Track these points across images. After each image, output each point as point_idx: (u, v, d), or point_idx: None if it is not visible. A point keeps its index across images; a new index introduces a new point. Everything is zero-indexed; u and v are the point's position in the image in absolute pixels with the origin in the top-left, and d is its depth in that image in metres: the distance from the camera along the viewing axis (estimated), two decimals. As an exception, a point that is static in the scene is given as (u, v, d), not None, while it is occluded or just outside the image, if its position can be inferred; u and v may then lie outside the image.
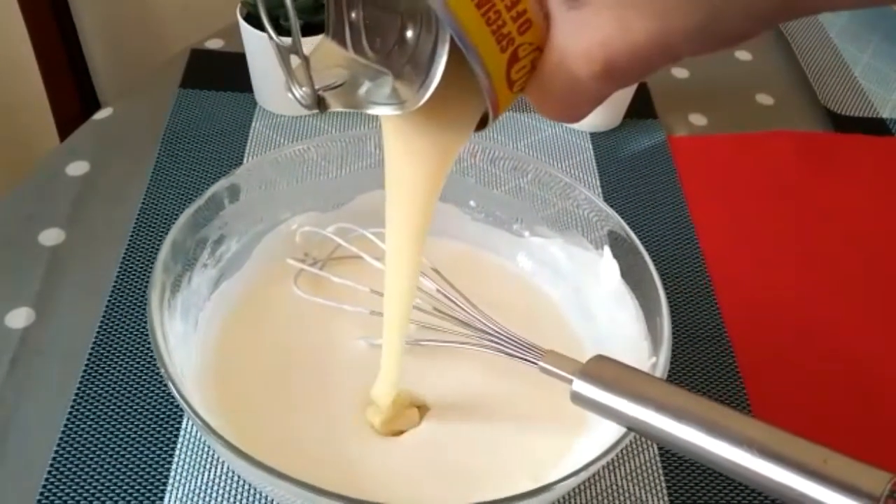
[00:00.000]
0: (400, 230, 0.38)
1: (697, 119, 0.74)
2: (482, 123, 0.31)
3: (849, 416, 0.52)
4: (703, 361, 0.54)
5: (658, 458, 0.48)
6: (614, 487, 0.47)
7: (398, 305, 0.41)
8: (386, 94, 0.29)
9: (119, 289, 0.54)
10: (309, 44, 0.30)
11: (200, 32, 0.77)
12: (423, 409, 0.45)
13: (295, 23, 0.29)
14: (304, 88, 0.30)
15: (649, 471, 0.48)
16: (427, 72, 0.27)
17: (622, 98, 0.70)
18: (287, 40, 0.29)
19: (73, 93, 1.11)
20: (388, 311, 0.41)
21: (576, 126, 0.70)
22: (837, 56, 0.83)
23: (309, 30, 0.44)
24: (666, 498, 0.47)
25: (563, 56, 0.27)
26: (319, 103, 0.30)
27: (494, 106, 0.28)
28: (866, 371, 0.55)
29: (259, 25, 0.63)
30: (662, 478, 0.47)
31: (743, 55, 0.83)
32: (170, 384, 0.37)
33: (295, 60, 0.30)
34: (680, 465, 0.48)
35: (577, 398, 0.37)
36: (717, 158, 0.70)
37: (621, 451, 0.48)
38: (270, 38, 0.29)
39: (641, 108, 0.72)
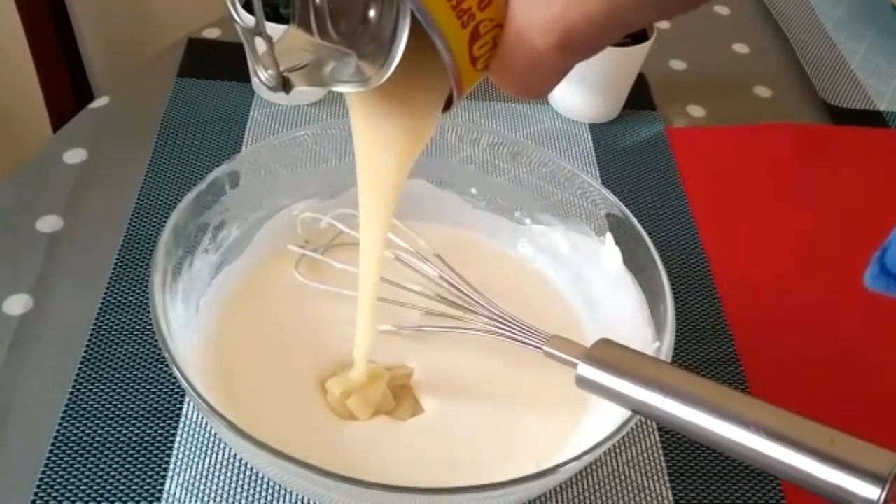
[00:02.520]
0: (371, 213, 0.38)
1: (696, 110, 0.74)
2: (448, 106, 0.31)
3: (846, 398, 0.52)
4: (702, 346, 0.54)
5: (660, 445, 0.48)
6: (616, 474, 0.47)
7: (369, 290, 0.41)
8: (350, 73, 0.29)
9: (117, 276, 0.53)
10: (277, 30, 0.30)
11: (191, 25, 0.76)
12: (406, 393, 0.45)
13: (258, 3, 0.29)
14: (269, 71, 0.30)
15: (651, 457, 0.48)
16: (389, 48, 0.27)
17: (621, 89, 0.70)
18: (250, 22, 0.29)
19: (66, 85, 1.10)
20: (361, 294, 0.41)
21: (575, 117, 0.70)
22: (834, 49, 0.83)
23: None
24: (668, 484, 0.47)
25: (522, 30, 0.27)
26: (284, 84, 0.30)
27: (458, 83, 0.28)
28: (863, 355, 0.56)
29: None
30: (664, 464, 0.47)
31: (741, 48, 0.83)
32: (173, 367, 0.37)
33: (260, 45, 0.30)
34: (682, 452, 0.48)
35: (583, 382, 0.37)
36: (715, 149, 0.70)
37: (622, 437, 0.48)
38: (234, 20, 0.30)
39: (640, 100, 0.72)
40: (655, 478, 0.47)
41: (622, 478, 0.47)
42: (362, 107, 0.34)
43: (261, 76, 0.30)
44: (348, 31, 0.29)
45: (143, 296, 0.52)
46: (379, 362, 0.45)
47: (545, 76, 0.28)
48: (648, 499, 0.46)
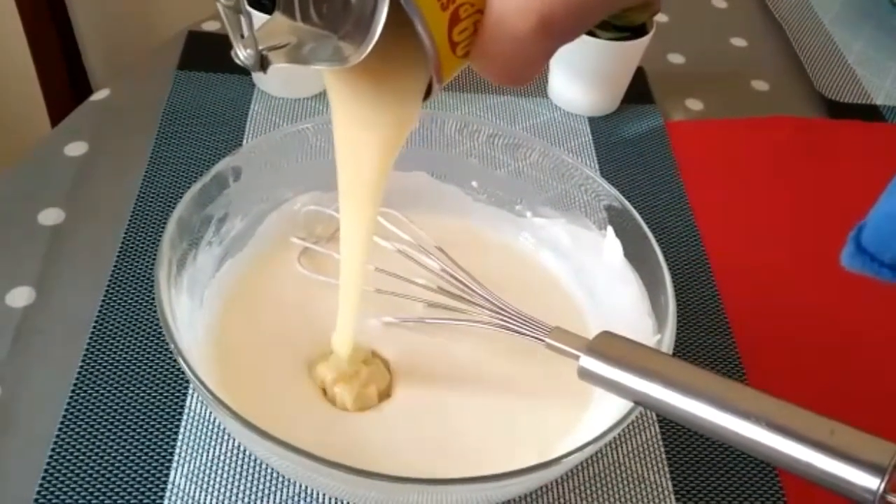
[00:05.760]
0: (351, 214, 0.39)
1: (694, 104, 0.74)
2: (428, 94, 0.31)
3: (845, 390, 0.53)
4: (701, 338, 0.54)
5: (660, 436, 0.49)
6: (616, 465, 0.47)
7: (353, 274, 0.41)
8: (329, 53, 0.29)
9: (119, 268, 0.53)
10: (262, 18, 0.30)
11: (191, 18, 0.76)
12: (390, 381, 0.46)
13: None
14: (248, 50, 0.30)
15: (651, 449, 0.48)
16: (368, 28, 0.27)
17: (620, 83, 0.70)
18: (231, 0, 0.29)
19: (64, 78, 1.10)
20: (343, 279, 0.42)
21: (574, 110, 0.70)
22: (831, 43, 0.83)
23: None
24: (668, 475, 0.47)
25: (501, 14, 0.27)
26: (262, 63, 0.30)
27: (437, 69, 0.28)
28: (861, 347, 0.56)
29: (258, 8, 0.63)
30: (664, 455, 0.48)
31: (738, 41, 0.83)
32: (178, 358, 0.38)
33: (243, 25, 0.30)
34: (681, 444, 0.48)
35: (585, 374, 0.37)
36: (713, 143, 0.71)
37: (623, 429, 0.49)
38: None
39: (639, 94, 0.73)
40: (655, 468, 0.47)
41: (622, 468, 0.47)
42: (342, 94, 0.34)
43: (240, 55, 0.30)
44: (330, 14, 0.29)
45: (145, 288, 0.52)
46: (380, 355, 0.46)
47: (526, 62, 0.28)
48: (648, 489, 0.46)
